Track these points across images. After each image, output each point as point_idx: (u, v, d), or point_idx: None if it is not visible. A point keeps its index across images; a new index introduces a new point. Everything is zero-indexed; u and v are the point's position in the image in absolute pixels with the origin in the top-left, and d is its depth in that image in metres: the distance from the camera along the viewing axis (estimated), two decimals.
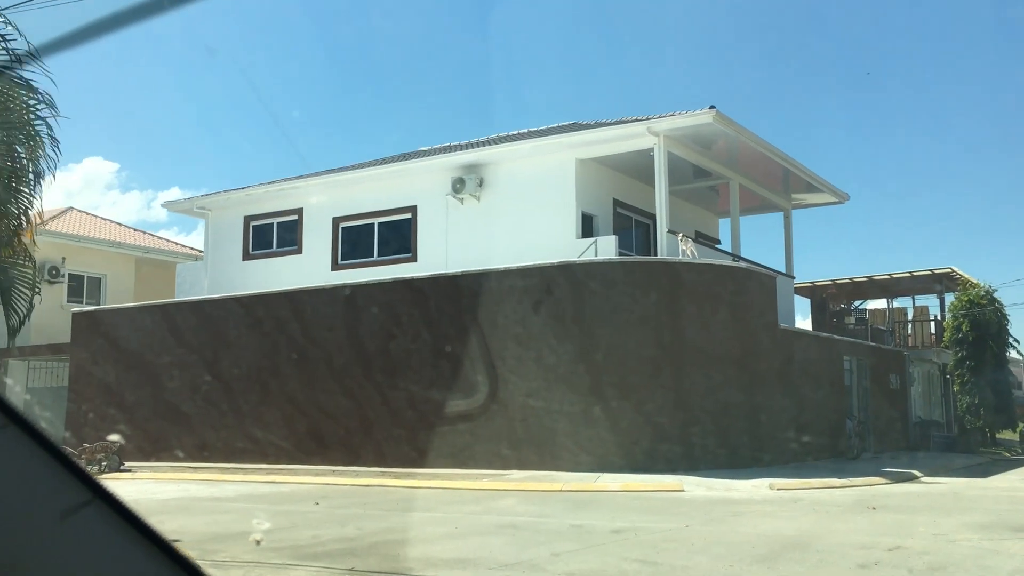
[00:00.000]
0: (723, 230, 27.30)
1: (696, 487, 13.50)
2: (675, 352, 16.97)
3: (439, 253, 21.82)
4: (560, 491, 13.30)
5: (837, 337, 22.98)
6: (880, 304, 34.27)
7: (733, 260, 20.32)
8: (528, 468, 16.07)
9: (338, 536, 8.23)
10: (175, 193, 79.53)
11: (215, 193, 25.99)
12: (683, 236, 18.51)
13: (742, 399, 17.24)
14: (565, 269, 17.43)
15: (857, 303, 34.54)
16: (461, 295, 18.27)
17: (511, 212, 21.34)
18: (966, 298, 27.84)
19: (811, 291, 32.80)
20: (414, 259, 22.49)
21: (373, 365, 18.90)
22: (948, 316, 28.83)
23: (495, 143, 22.63)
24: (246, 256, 25.87)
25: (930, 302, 33.11)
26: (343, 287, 19.84)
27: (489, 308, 17.66)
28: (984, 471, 19.24)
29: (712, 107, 18.96)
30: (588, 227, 21.15)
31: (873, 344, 25.62)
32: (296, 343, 19.91)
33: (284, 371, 19.85)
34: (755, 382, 17.78)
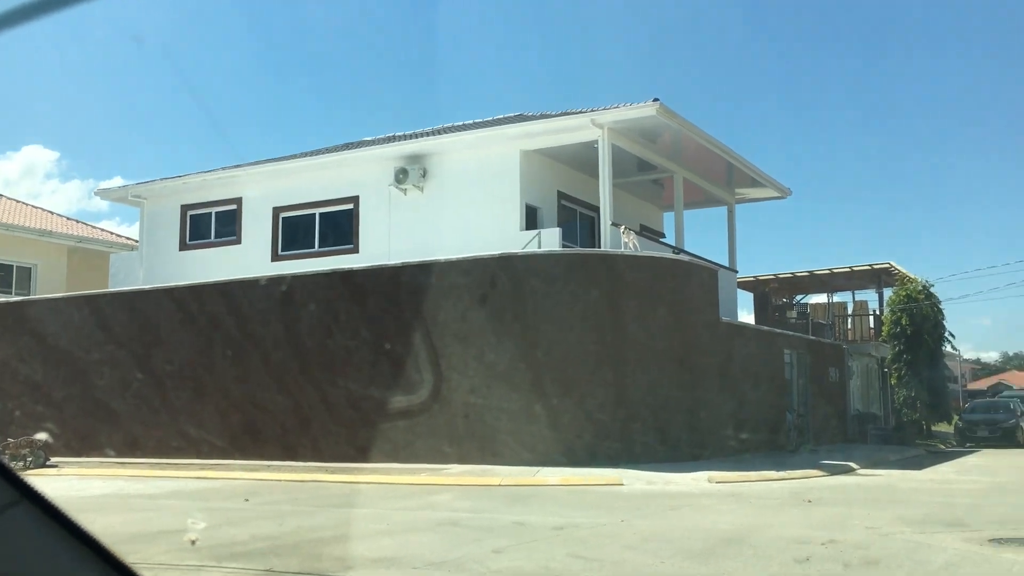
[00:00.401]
0: (668, 224, 27.34)
1: (636, 481, 13.42)
2: (615, 347, 16.86)
3: (381, 245, 21.48)
4: (499, 486, 13.12)
5: (777, 331, 23.14)
6: (822, 299, 34.77)
7: (675, 253, 20.28)
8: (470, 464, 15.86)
9: (263, 534, 7.94)
10: (117, 183, 77.50)
11: (151, 181, 25.31)
12: (625, 228, 18.43)
13: (682, 394, 17.21)
14: (505, 261, 17.20)
15: (799, 298, 34.95)
16: (400, 288, 17.92)
17: (455, 203, 21.09)
18: (904, 293, 28.31)
19: (754, 285, 33.12)
20: (356, 251, 22.12)
21: (311, 360, 18.48)
22: (886, 311, 29.29)
23: (439, 133, 22.31)
24: (183, 246, 25.24)
25: (869, 297, 33.71)
26: (280, 280, 19.29)
27: (430, 302, 17.38)
28: (919, 463, 19.52)
29: (656, 100, 18.89)
30: (532, 219, 20.98)
31: (813, 338, 25.89)
32: (231, 338, 19.38)
33: (219, 367, 19.30)
34: (695, 377, 17.77)
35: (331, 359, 18.15)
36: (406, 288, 17.78)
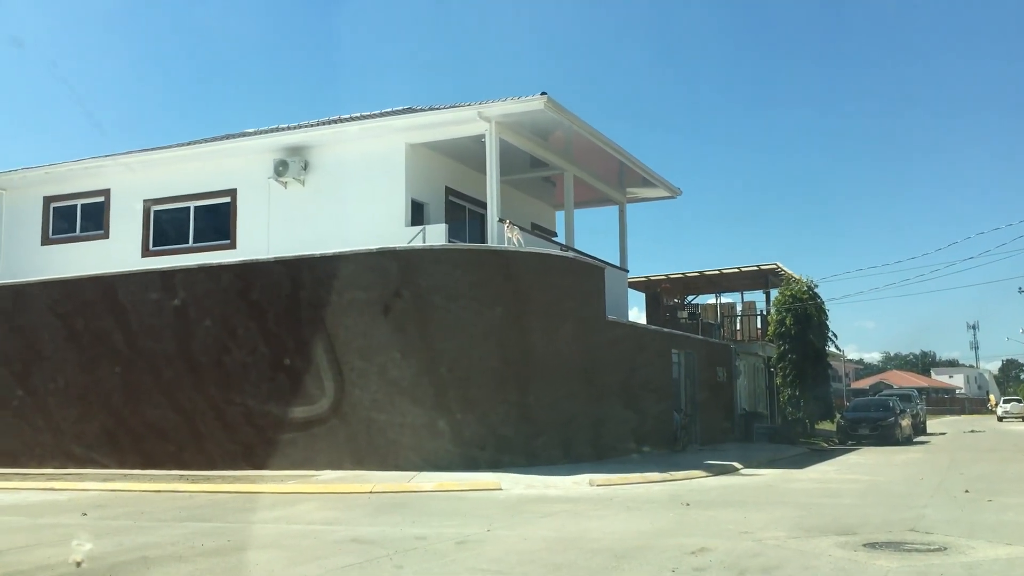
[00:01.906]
0: (561, 223, 27.03)
1: (515, 485, 12.92)
2: (498, 345, 16.37)
3: (260, 240, 20.49)
4: (369, 493, 12.42)
5: (664, 330, 23.06)
6: (712, 300, 35.11)
7: (562, 250, 19.92)
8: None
9: (84, 554, 7.07)
10: None
11: (10, 171, 23.63)
12: (509, 223, 17.93)
13: (564, 392, 16.83)
14: (392, 255, 16.49)
15: (691, 298, 35.22)
16: (285, 280, 16.92)
17: (338, 198, 20.27)
18: (789, 292, 28.70)
19: (646, 286, 33.18)
20: (233, 246, 21.08)
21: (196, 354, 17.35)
22: (772, 310, 29.66)
23: (323, 125, 21.41)
24: (45, 240, 23.68)
25: (757, 297, 34.20)
26: (170, 281, 17.75)
27: (316, 296, 16.51)
28: (801, 462, 19.62)
29: (544, 93, 18.44)
30: (419, 215, 20.33)
31: (700, 338, 25.95)
32: (107, 331, 18.03)
33: (98, 372, 17.89)
34: (579, 375, 17.41)
35: (211, 351, 17.05)
36: (290, 279, 16.83)
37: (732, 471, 16.45)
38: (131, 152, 22.90)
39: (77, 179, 23.13)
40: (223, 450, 16.51)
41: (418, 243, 18.11)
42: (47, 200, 23.74)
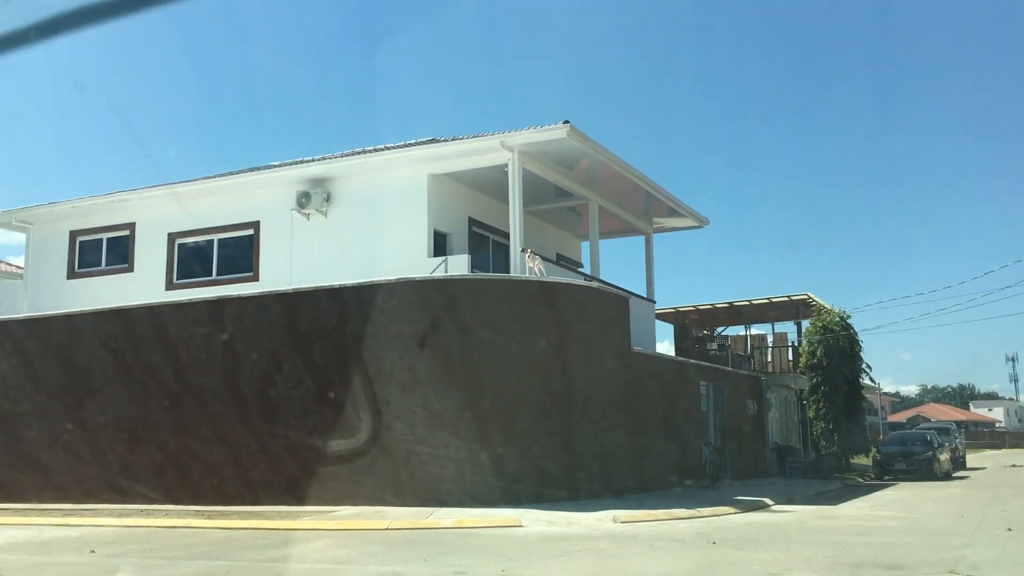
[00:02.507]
0: (587, 254, 26.70)
1: (535, 522, 12.50)
2: (541, 378, 16.08)
3: (282, 272, 20.36)
4: (385, 529, 12.07)
5: (692, 361, 22.56)
6: (741, 331, 34.51)
7: (586, 280, 19.59)
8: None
9: None
10: None
11: (38, 205, 23.77)
12: (530, 253, 17.61)
13: (588, 424, 16.46)
14: (426, 286, 16.30)
15: (720, 330, 34.64)
16: (331, 313, 16.67)
17: (360, 229, 20.13)
18: (820, 324, 28.09)
19: (674, 317, 32.67)
20: (255, 278, 20.97)
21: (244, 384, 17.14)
22: (803, 342, 29.03)
23: (345, 157, 21.33)
24: (71, 274, 23.74)
25: (788, 328, 33.52)
26: (220, 318, 17.51)
27: (361, 328, 16.26)
28: (835, 498, 18.99)
29: (566, 122, 18.23)
30: (442, 246, 20.11)
31: (730, 369, 25.40)
32: (156, 364, 17.81)
33: (147, 405, 17.65)
34: (605, 406, 17.00)
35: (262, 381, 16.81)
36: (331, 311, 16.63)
37: (762, 507, 15.91)
38: (157, 186, 22.96)
39: (103, 213, 23.20)
40: (267, 483, 16.27)
41: (440, 273, 17.88)
42: (73, 234, 23.83)
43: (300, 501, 15.46)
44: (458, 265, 18.51)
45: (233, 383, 16.99)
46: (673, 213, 25.66)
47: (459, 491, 14.95)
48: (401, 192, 19.98)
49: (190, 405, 17.20)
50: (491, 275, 18.30)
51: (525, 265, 17.45)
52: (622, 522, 12.69)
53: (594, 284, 19.04)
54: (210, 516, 13.84)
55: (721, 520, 13.66)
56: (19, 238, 24.78)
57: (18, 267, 27.02)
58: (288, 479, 15.99)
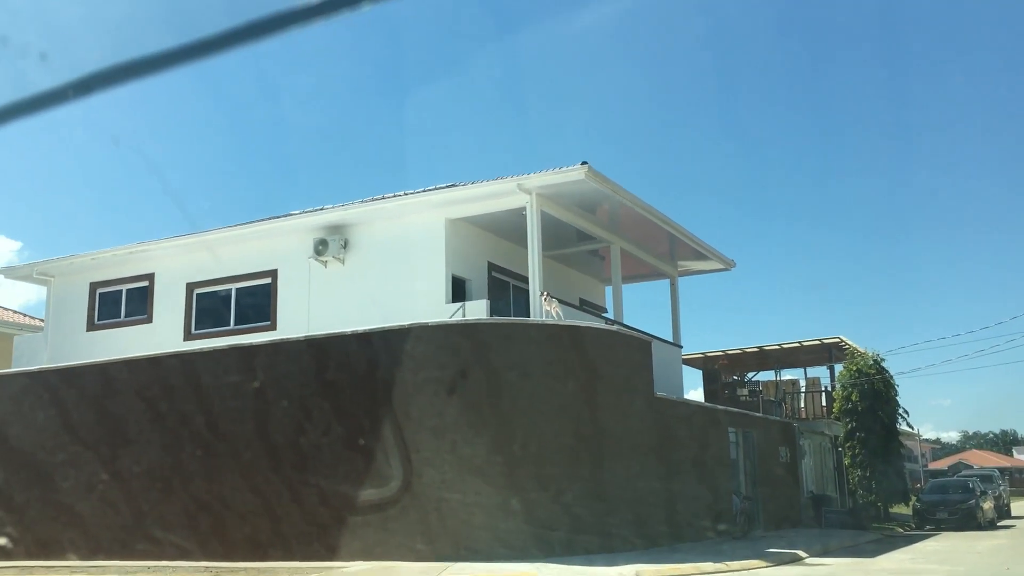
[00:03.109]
0: (611, 299, 26.20)
1: None
2: (571, 422, 15.66)
3: (300, 320, 20.08)
4: None
5: (720, 407, 21.86)
6: (772, 376, 33.69)
7: (607, 324, 19.09)
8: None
9: None
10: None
11: (58, 258, 23.78)
12: (547, 296, 17.16)
13: (620, 469, 15.95)
14: (453, 331, 15.92)
15: (751, 375, 33.85)
16: (360, 359, 16.31)
17: (378, 276, 19.85)
18: (854, 367, 27.27)
19: (703, 363, 32.01)
20: (273, 327, 20.71)
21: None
22: (837, 386, 28.19)
23: (363, 204, 21.14)
24: (91, 327, 23.64)
25: (821, 373, 32.69)
26: (250, 366, 17.16)
27: (390, 374, 15.89)
28: (873, 550, 18.08)
29: (584, 163, 17.89)
30: (460, 291, 19.76)
31: (760, 415, 24.61)
32: (189, 413, 17.48)
33: (180, 454, 17.31)
34: (635, 451, 16.41)
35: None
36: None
37: (795, 560, 15.12)
38: (175, 236, 22.89)
39: (122, 264, 23.13)
40: (299, 532, 15.91)
41: (459, 318, 17.50)
42: (93, 286, 23.79)
43: (332, 550, 15.15)
44: (476, 311, 18.12)
45: (264, 431, 16.72)
46: (698, 255, 25.18)
47: (490, 538, 14.54)
48: (418, 238, 19.72)
49: (222, 453, 16.90)
50: (517, 319, 17.88)
51: (542, 309, 16.98)
52: None
53: (614, 328, 18.50)
54: (218, 573, 13.33)
55: (751, 574, 12.94)
56: (42, 292, 24.72)
57: (39, 320, 26.97)
58: (320, 528, 15.67)
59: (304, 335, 17.53)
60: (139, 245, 22.92)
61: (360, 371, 16.23)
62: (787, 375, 33.40)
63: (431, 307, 18.31)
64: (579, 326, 17.35)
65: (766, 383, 32.31)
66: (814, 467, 27.74)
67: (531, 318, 18.06)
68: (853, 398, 26.59)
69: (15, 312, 28.17)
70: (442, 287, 19.18)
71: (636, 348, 17.38)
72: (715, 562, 13.66)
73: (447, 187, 21.06)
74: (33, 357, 23.26)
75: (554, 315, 16.25)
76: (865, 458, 26.40)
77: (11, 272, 24.52)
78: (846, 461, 27.61)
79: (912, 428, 31.44)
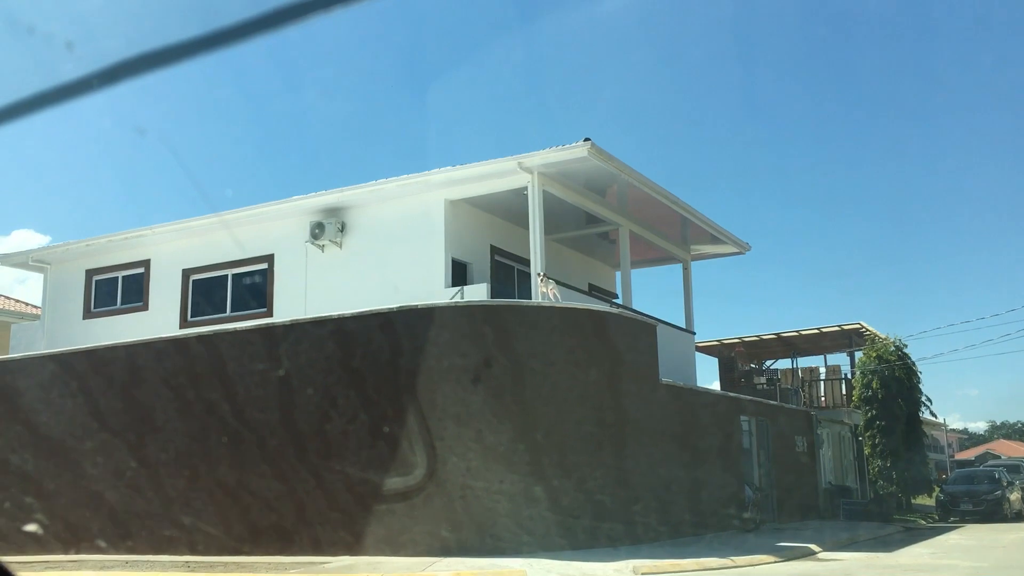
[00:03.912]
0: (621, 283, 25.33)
1: (545, 574, 11.15)
2: (594, 409, 15.23)
3: (297, 306, 19.42)
4: None
5: (731, 394, 21.00)
6: (796, 363, 32.74)
7: (611, 307, 18.31)
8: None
9: None
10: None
11: (54, 245, 23.31)
12: (543, 277, 16.40)
13: (643, 456, 15.42)
14: (474, 312, 15.34)
15: (768, 363, 32.94)
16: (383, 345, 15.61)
17: (377, 260, 19.19)
18: (874, 353, 26.28)
19: (719, 350, 31.14)
20: (269, 314, 20.10)
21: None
22: (856, 373, 27.21)
23: (361, 185, 20.43)
24: (87, 314, 23.15)
25: (841, 360, 31.70)
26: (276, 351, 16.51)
27: (414, 362, 15.30)
28: (892, 543, 17.18)
29: (587, 139, 17.08)
30: (461, 275, 19.07)
31: (775, 403, 23.69)
32: (215, 400, 16.87)
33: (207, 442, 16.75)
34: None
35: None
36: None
37: (807, 555, 14.29)
38: (170, 222, 22.31)
39: (118, 251, 22.62)
40: (324, 518, 15.41)
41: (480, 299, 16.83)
42: (89, 273, 23.31)
43: (357, 537, 14.78)
44: (476, 294, 17.43)
45: (289, 417, 16.20)
46: (711, 239, 24.30)
47: (514, 526, 14.20)
48: (417, 220, 19.02)
49: (248, 440, 16.37)
50: (539, 302, 17.20)
51: (539, 291, 16.23)
52: (642, 573, 11.28)
53: (616, 310, 17.71)
54: (197, 568, 12.75)
55: (758, 570, 12.15)
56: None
57: (37, 308, 26.55)
58: (345, 514, 15.21)
59: (325, 315, 16.77)
60: (134, 231, 22.36)
61: (384, 358, 15.59)
62: (807, 363, 32.48)
63: (430, 292, 17.63)
64: (602, 312, 16.74)
65: (784, 371, 31.39)
66: (833, 457, 26.82)
67: (540, 301, 17.35)
68: (874, 385, 25.60)
69: (14, 300, 27.69)
70: (441, 271, 18.50)
71: (640, 331, 16.58)
72: (720, 557, 12.87)
73: (448, 168, 20.38)
74: (30, 345, 22.82)
75: (551, 297, 15.49)
76: (886, 447, 25.42)
77: (7, 259, 24.07)
78: (866, 451, 26.65)
79: (936, 416, 30.36)
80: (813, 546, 15.07)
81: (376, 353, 15.67)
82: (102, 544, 16.65)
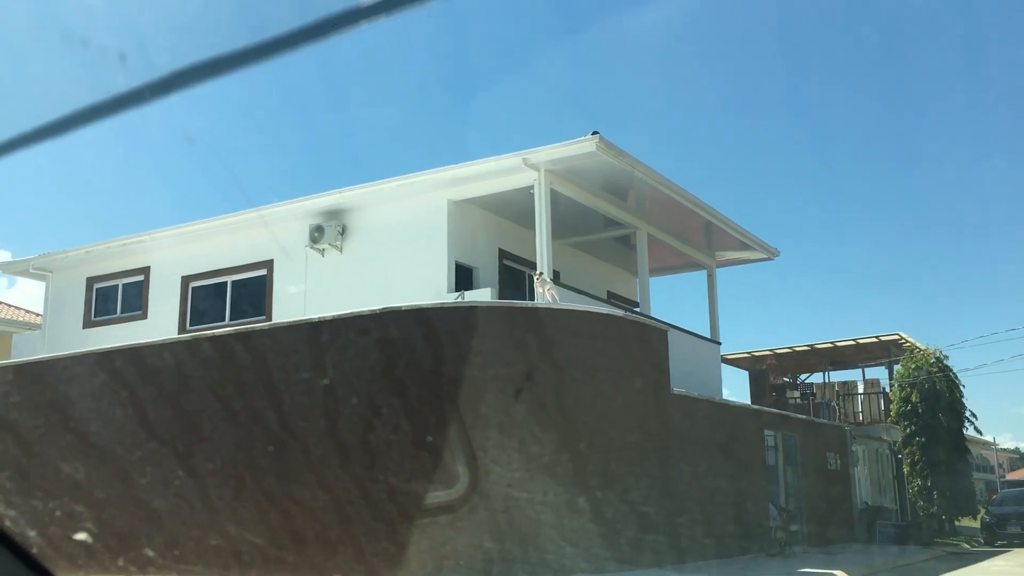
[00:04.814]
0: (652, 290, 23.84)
1: None
2: (638, 418, 14.69)
3: (296, 313, 18.46)
4: None
5: (755, 407, 19.65)
6: (834, 377, 31.19)
7: (625, 313, 17.14)
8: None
9: None
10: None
11: (54, 252, 22.68)
12: (540, 276, 15.27)
13: (687, 467, 15.06)
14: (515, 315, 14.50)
15: (804, 376, 31.42)
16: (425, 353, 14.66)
17: (378, 264, 18.28)
18: (913, 365, 24.66)
19: (749, 363, 29.71)
20: (268, 320, 19.23)
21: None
22: (894, 387, 25.61)
23: (361, 186, 19.51)
24: (87, 323, 22.52)
25: (881, 374, 30.09)
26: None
27: (457, 371, 14.38)
28: (928, 569, 15.73)
29: (595, 132, 15.99)
30: (466, 280, 18.08)
31: (804, 417, 22.23)
32: (260, 409, 16.07)
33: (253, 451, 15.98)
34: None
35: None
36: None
37: None
38: (170, 227, 21.59)
39: (117, 258, 21.96)
40: (368, 529, 14.60)
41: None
42: (90, 281, 22.70)
43: (400, 547, 13.95)
44: (478, 299, 16.38)
45: (333, 427, 15.43)
46: (739, 245, 23.05)
47: (558, 537, 13.62)
48: (420, 222, 18.09)
49: (293, 449, 15.58)
50: (581, 307, 16.22)
51: (536, 291, 15.13)
52: None
53: (618, 312, 16.51)
54: None
55: None
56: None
57: (35, 314, 25.99)
58: (387, 524, 14.43)
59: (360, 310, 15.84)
60: (134, 237, 21.66)
61: (427, 367, 14.69)
62: (843, 376, 30.89)
63: (432, 298, 16.60)
64: (645, 324, 15.81)
65: (819, 385, 29.88)
66: (870, 476, 25.22)
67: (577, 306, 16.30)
68: (913, 399, 24.01)
69: (14, 308, 27.11)
70: (444, 275, 17.49)
71: (649, 338, 15.42)
72: None
73: (450, 166, 19.40)
74: (31, 356, 22.17)
75: (549, 298, 14.37)
76: (926, 466, 23.77)
77: (8, 267, 23.55)
78: (905, 469, 25.01)
79: (981, 433, 28.54)
80: (839, 572, 13.68)
81: (418, 362, 14.79)
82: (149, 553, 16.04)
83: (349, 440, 14.98)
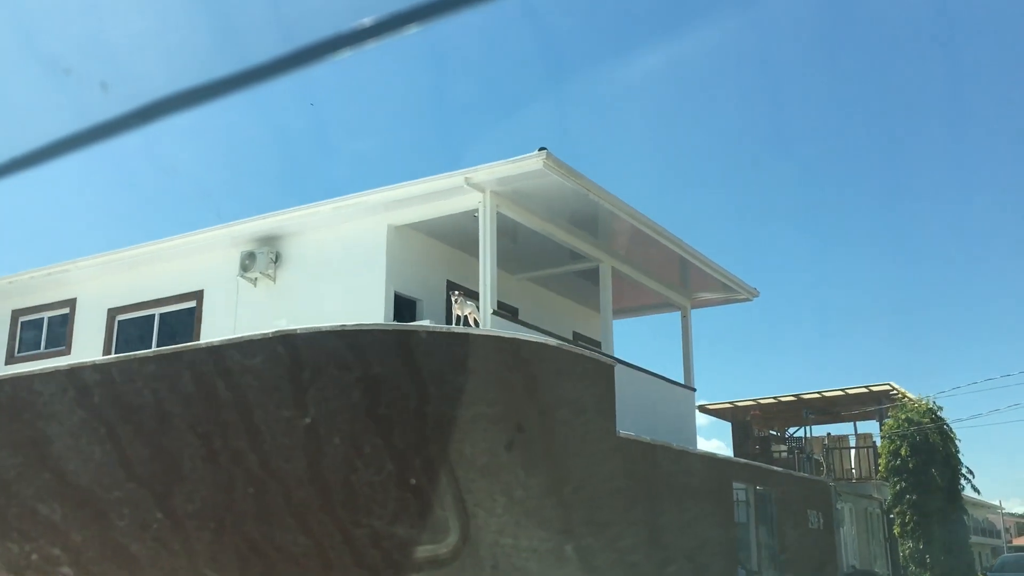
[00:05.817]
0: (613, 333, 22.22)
1: None
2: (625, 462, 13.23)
3: None
4: None
5: (721, 456, 17.85)
6: (821, 431, 29.42)
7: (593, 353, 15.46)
8: None
9: None
10: None
11: None
12: (459, 298, 13.65)
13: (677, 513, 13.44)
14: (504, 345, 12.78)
15: (792, 430, 29.64)
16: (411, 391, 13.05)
17: (311, 295, 16.71)
18: (903, 416, 22.87)
19: (732, 414, 27.98)
20: None
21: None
22: (883, 440, 23.79)
23: (296, 209, 18.02)
24: (9, 359, 20.87)
25: (872, 428, 28.31)
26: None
27: (441, 411, 12.67)
28: None
29: (542, 148, 14.49)
30: (409, 314, 16.45)
31: (780, 471, 20.40)
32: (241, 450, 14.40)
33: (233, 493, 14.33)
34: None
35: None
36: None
37: None
38: (97, 255, 20.05)
39: (43, 289, 20.42)
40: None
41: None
42: (15, 314, 21.14)
43: None
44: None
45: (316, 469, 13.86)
46: (714, 283, 21.45)
47: None
48: (358, 249, 16.56)
49: (274, 492, 13.93)
50: (569, 346, 14.68)
51: (453, 313, 13.49)
52: None
53: (562, 345, 14.79)
54: None
55: None
56: None
57: None
58: (371, 570, 12.77)
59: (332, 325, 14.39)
60: (59, 266, 20.06)
61: (412, 406, 13.17)
62: (834, 430, 29.12)
63: None
64: (584, 355, 14.15)
65: (809, 439, 28.08)
66: (858, 536, 23.29)
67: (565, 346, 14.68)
68: (903, 452, 22.18)
69: None
70: (381, 307, 15.86)
71: (590, 374, 13.74)
72: None
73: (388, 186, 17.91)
74: None
75: (471, 322, 12.73)
76: (918, 526, 21.86)
77: None
78: (895, 530, 23.06)
79: (979, 492, 26.55)
80: None
81: (403, 400, 13.26)
82: None
83: (331, 481, 13.70)
